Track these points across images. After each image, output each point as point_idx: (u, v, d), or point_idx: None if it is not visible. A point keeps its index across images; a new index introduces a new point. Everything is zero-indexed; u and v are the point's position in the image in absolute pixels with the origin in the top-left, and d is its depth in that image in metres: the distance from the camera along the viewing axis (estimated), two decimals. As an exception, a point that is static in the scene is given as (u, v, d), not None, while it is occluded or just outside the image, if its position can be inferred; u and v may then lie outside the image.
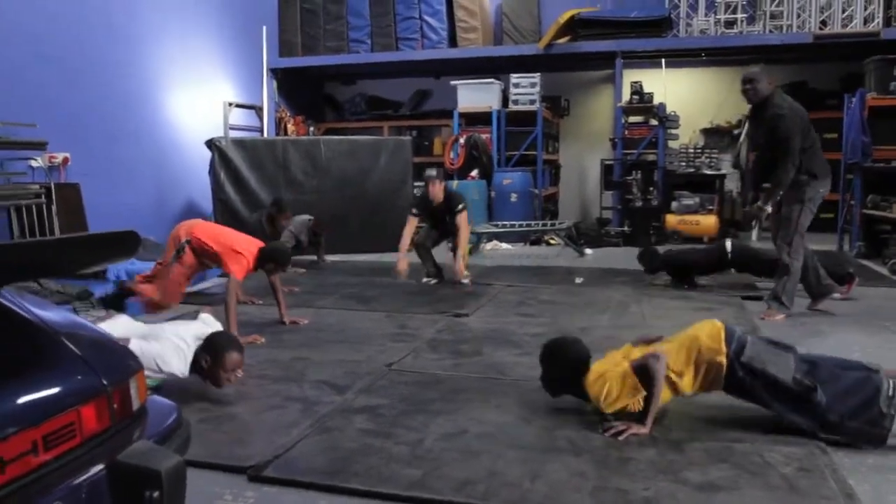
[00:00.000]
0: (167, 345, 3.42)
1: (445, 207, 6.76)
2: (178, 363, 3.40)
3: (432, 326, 5.09)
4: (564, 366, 3.24)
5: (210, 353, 3.41)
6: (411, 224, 6.80)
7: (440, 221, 6.87)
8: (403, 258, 6.57)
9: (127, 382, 1.85)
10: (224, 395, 3.60)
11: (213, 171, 8.76)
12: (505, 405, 3.44)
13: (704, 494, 2.53)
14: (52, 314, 1.94)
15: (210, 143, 8.69)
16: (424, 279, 6.87)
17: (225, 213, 8.66)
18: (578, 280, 6.77)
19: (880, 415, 2.85)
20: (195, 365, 3.44)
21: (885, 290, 6.33)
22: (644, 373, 3.04)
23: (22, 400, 1.59)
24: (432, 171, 6.91)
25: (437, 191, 6.71)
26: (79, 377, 1.74)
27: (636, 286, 6.53)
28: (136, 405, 1.87)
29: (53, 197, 6.97)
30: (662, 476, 2.65)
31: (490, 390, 3.68)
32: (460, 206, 6.74)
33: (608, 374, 3.10)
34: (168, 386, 3.53)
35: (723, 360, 3.03)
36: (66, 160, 7.37)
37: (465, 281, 6.69)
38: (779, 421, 3.04)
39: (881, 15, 9.30)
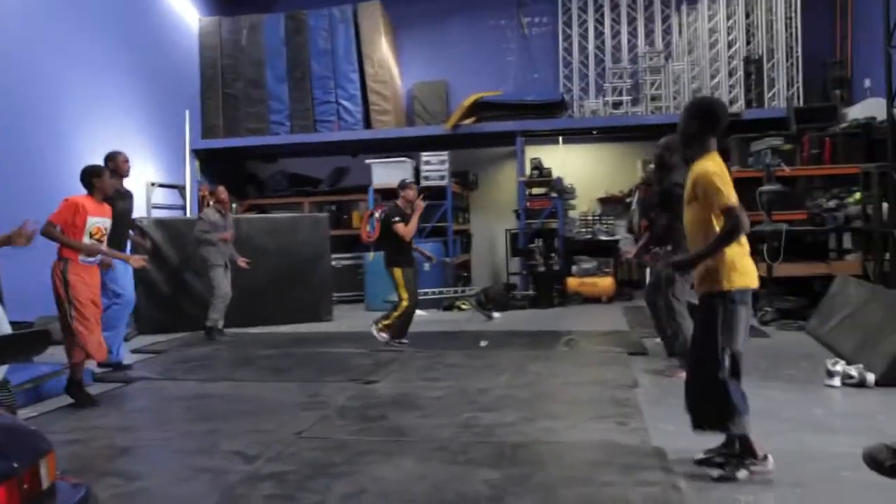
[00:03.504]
0: None
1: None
2: None
3: (343, 394, 5.44)
4: (701, 123, 3.53)
5: None
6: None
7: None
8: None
9: (37, 464, 2.09)
10: (137, 470, 3.86)
11: (133, 251, 8.93)
12: (403, 465, 3.81)
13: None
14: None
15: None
16: (406, 340, 7.33)
17: (148, 291, 8.86)
18: (483, 343, 7.27)
19: None
20: None
21: (757, 341, 7.05)
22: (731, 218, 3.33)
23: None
24: (406, 179, 7.76)
25: (413, 196, 7.30)
26: None
27: (535, 347, 7.08)
28: (45, 484, 2.10)
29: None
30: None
31: (391, 451, 4.04)
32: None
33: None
34: (82, 461, 3.75)
35: None
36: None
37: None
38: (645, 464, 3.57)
39: (743, 98, 10.59)
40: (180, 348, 7.78)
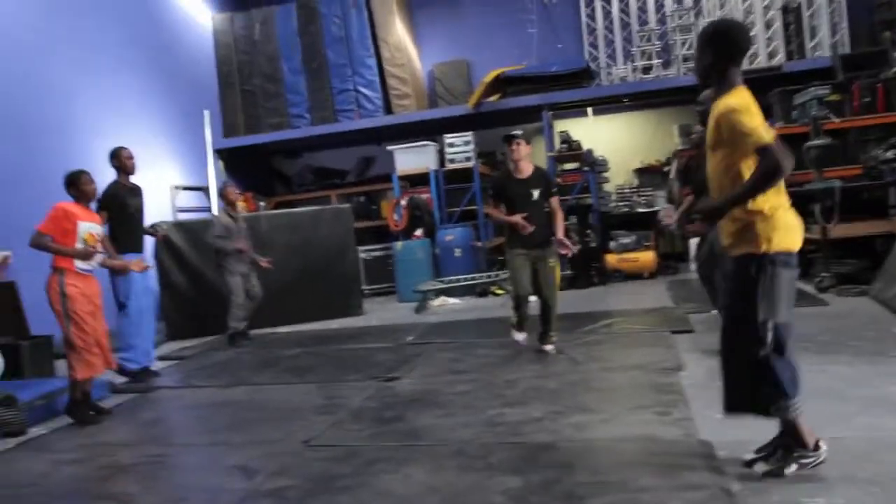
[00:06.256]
0: None
1: (536, 181, 5.74)
2: None
3: (361, 394, 5.09)
4: (719, 52, 2.97)
5: None
6: (496, 209, 5.82)
7: (525, 201, 5.68)
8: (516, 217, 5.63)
9: None
10: (130, 491, 3.58)
11: (156, 256, 8.79)
12: (414, 475, 3.44)
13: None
14: None
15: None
16: (519, 337, 6.00)
17: (173, 296, 8.73)
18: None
19: None
20: None
21: (815, 310, 6.47)
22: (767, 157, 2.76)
23: None
24: (517, 131, 5.86)
25: (522, 153, 5.71)
26: None
27: (570, 331, 6.59)
28: None
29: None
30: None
31: (403, 459, 3.67)
32: (555, 188, 5.93)
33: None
34: (77, 483, 3.49)
35: None
36: (5, 259, 7.25)
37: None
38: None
39: (783, 50, 9.80)
40: (205, 353, 7.57)
